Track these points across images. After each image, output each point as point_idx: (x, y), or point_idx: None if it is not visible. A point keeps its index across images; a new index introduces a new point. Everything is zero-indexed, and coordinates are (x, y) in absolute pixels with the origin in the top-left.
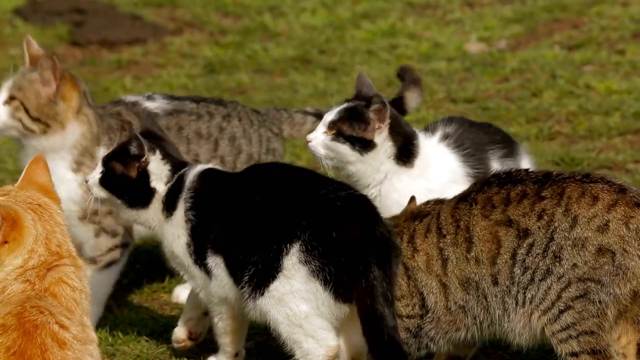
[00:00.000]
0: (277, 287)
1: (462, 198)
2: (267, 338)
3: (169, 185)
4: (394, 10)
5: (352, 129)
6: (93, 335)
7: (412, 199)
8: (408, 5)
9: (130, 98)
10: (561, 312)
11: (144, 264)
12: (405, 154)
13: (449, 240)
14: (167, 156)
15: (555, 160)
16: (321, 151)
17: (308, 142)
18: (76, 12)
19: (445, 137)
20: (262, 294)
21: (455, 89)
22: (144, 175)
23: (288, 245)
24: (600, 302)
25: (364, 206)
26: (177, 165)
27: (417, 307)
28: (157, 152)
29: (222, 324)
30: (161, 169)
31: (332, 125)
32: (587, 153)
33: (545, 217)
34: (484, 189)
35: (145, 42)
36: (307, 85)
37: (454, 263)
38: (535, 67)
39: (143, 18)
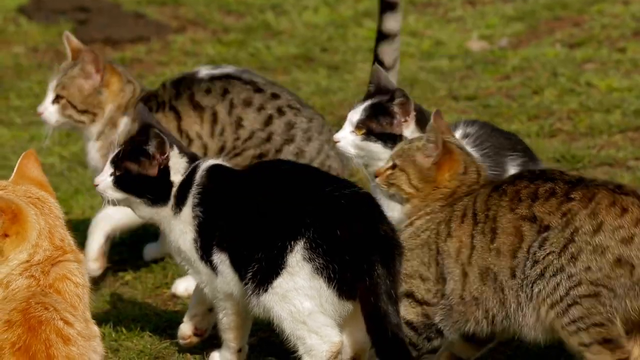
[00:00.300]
0: (281, 283)
1: (496, 187)
2: (270, 334)
3: (182, 177)
4: None
5: (381, 126)
6: (96, 329)
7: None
8: (410, 3)
9: (189, 72)
10: (569, 305)
11: (148, 261)
12: None
13: (479, 229)
14: (182, 149)
15: (557, 157)
16: (351, 151)
17: (336, 142)
18: (80, 11)
19: (465, 135)
20: (266, 290)
21: (457, 86)
22: (165, 172)
23: (292, 243)
24: (610, 306)
25: (368, 204)
26: (192, 158)
27: (438, 294)
28: (175, 146)
29: (227, 320)
30: (179, 162)
31: (360, 125)
32: (588, 150)
33: (569, 216)
34: (515, 182)
35: (148, 40)
36: (310, 83)
37: (478, 252)
38: (536, 65)
39: (146, 16)
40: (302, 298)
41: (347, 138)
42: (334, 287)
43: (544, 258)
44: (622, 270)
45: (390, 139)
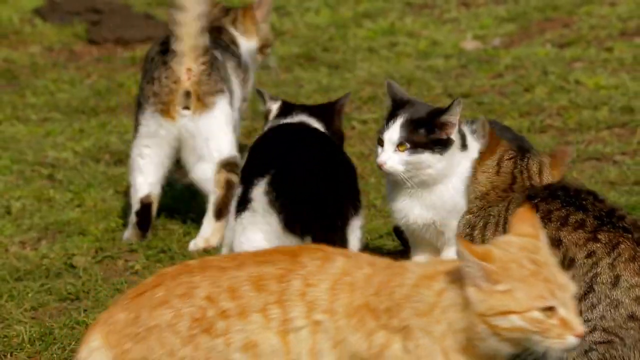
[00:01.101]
0: None
1: (530, 197)
2: None
3: None
4: (393, 9)
5: (426, 136)
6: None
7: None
8: (407, 5)
9: None
10: (587, 351)
11: (157, 251)
12: (463, 139)
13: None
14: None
15: (547, 152)
16: (400, 168)
17: (381, 165)
18: (93, 12)
19: (473, 132)
20: None
21: (452, 84)
22: None
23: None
24: (622, 351)
25: None
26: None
27: None
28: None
29: None
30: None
31: (403, 142)
32: (577, 145)
33: (594, 259)
34: (548, 200)
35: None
36: (312, 81)
37: None
38: (527, 64)
39: (156, 17)
40: None
41: (393, 158)
42: None
43: None
44: (634, 324)
45: (439, 144)
